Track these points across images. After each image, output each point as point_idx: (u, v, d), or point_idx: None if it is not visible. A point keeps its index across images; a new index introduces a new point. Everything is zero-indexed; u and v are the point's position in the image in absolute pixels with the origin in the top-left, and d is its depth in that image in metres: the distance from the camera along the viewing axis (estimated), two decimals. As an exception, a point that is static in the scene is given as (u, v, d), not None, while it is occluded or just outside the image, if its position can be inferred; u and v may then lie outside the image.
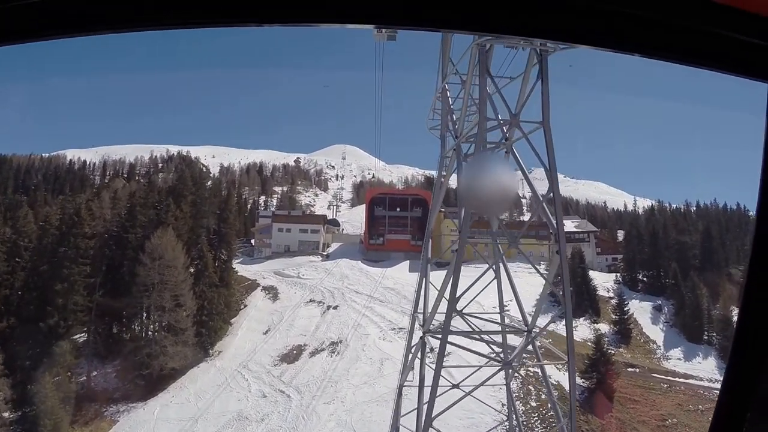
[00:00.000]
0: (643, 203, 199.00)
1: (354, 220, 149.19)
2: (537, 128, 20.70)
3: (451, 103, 26.18)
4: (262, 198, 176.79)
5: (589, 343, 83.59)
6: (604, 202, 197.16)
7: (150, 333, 66.50)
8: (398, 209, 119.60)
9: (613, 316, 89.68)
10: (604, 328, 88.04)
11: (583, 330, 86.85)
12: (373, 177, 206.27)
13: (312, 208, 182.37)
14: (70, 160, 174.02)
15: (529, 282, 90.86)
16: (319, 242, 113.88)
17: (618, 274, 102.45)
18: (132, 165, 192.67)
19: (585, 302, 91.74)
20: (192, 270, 71.77)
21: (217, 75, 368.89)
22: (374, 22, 1.98)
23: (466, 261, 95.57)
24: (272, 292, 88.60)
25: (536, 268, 28.00)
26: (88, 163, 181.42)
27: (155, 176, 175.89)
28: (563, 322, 21.55)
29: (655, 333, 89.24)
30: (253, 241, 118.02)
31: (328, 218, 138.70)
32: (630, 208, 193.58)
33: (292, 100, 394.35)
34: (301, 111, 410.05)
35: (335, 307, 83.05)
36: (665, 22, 1.83)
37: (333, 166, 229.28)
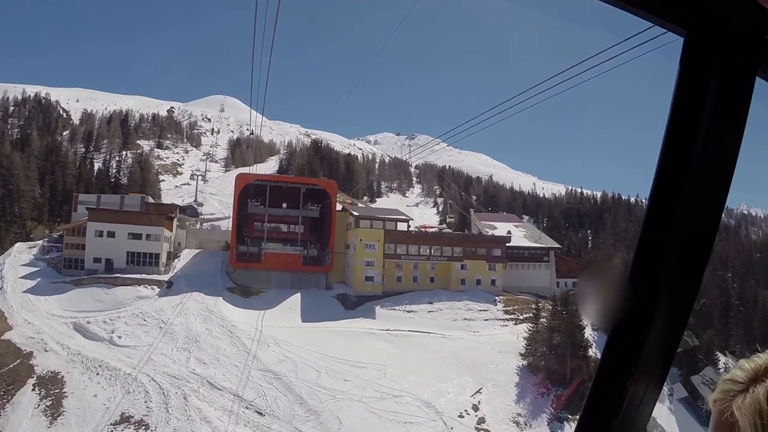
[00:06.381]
0: (549, 186, 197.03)
1: (224, 192, 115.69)
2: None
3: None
4: (115, 159, 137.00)
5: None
6: (491, 176, 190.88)
7: None
8: (284, 205, 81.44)
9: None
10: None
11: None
12: (252, 134, 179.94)
13: (179, 168, 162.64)
14: None
15: (498, 339, 55.28)
16: (159, 254, 74.06)
17: (588, 314, 69.38)
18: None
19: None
20: None
21: (88, 3, 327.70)
22: None
23: (392, 292, 74.75)
24: (52, 395, 48.93)
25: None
26: None
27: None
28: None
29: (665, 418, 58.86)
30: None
31: (183, 204, 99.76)
32: (523, 187, 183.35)
33: (172, 41, 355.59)
34: (181, 54, 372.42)
35: (167, 445, 44.46)
36: None
37: (209, 119, 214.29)
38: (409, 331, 64.24)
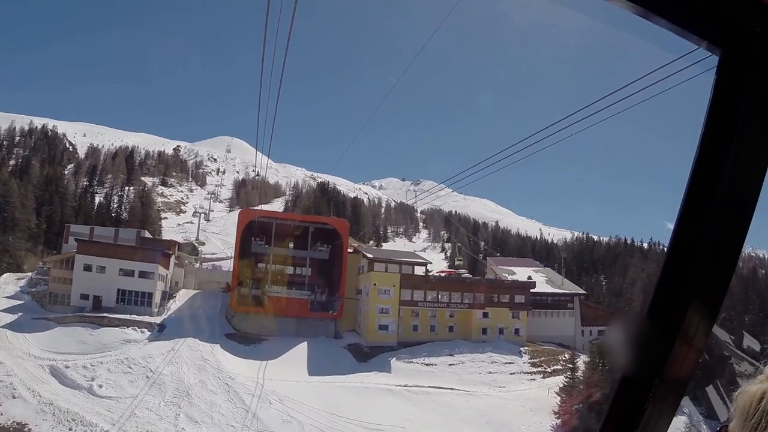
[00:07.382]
0: (554, 232, 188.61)
1: (227, 231, 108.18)
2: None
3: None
4: (117, 194, 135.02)
5: None
6: (496, 222, 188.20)
7: None
8: (291, 245, 75.05)
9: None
10: None
11: None
12: (258, 175, 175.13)
13: (183, 206, 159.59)
14: None
15: (527, 395, 49.42)
16: (153, 294, 67.79)
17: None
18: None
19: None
20: None
21: (102, 44, 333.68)
22: None
23: (408, 342, 68.51)
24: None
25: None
26: None
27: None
28: None
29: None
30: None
31: (183, 242, 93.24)
32: (529, 232, 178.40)
33: (182, 82, 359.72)
34: (190, 95, 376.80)
35: None
36: None
37: (215, 159, 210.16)
38: (429, 387, 57.69)
